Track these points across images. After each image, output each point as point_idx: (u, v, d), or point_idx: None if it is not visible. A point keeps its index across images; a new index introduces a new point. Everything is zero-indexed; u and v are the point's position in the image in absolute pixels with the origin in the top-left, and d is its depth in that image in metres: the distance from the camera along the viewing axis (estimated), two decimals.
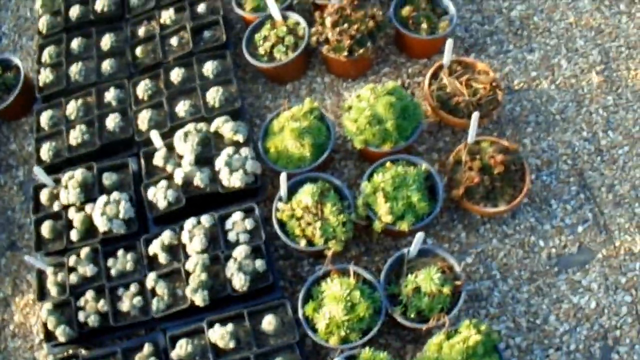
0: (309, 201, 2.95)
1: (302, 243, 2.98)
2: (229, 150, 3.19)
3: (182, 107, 3.46)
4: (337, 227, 2.93)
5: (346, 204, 3.03)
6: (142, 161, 3.39)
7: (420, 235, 2.78)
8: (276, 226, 3.05)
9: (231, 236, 3.10)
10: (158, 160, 3.33)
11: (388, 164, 3.05)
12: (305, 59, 3.65)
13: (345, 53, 3.37)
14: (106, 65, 3.75)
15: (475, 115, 2.98)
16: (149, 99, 3.60)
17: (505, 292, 3.04)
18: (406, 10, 3.51)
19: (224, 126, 3.25)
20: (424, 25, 3.48)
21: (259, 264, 2.98)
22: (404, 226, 2.92)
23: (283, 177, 3.00)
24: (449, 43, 3.24)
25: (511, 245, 3.14)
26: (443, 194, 3.05)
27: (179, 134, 3.32)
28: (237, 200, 3.24)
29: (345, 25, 3.38)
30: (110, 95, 3.63)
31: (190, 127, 3.34)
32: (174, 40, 3.73)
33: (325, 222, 2.94)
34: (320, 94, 3.64)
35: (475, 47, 3.70)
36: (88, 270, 3.18)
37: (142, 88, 3.59)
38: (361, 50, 3.36)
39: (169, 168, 3.30)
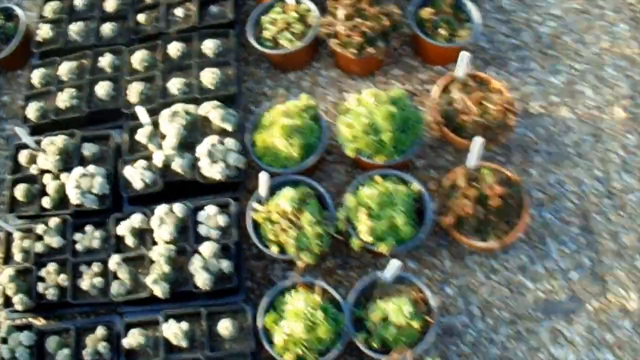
0: (287, 206, 2.74)
1: (274, 249, 2.78)
2: (213, 139, 2.97)
3: (175, 84, 3.25)
4: (312, 239, 2.72)
5: (326, 214, 2.82)
6: (126, 135, 3.19)
7: (396, 264, 2.57)
8: (250, 227, 2.85)
9: (202, 230, 2.91)
10: (141, 137, 3.13)
11: (377, 178, 2.83)
12: (312, 49, 3.41)
13: (354, 50, 3.12)
14: (107, 28, 3.55)
15: (478, 140, 2.73)
16: (144, 71, 3.40)
17: (481, 331, 2.82)
18: (426, 12, 3.23)
19: (213, 112, 3.04)
20: (443, 31, 3.21)
21: (225, 264, 2.80)
22: (382, 248, 2.70)
23: (263, 177, 2.79)
24: (464, 55, 2.98)
25: (497, 282, 2.90)
26: (432, 219, 2.82)
27: (165, 113, 3.12)
28: (217, 191, 3.05)
29: (359, 20, 3.12)
30: (105, 60, 3.44)
31: (178, 107, 3.13)
32: (179, 11, 3.50)
33: (301, 231, 2.73)
34: (323, 88, 3.40)
35: (497, 61, 3.42)
36: (55, 241, 3.04)
37: (138, 58, 3.38)
38: (371, 50, 3.11)
39: (151, 147, 3.11)
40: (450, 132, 3.01)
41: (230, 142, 2.97)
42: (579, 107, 3.29)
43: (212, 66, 3.26)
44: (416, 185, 2.82)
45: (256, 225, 2.85)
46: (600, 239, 2.97)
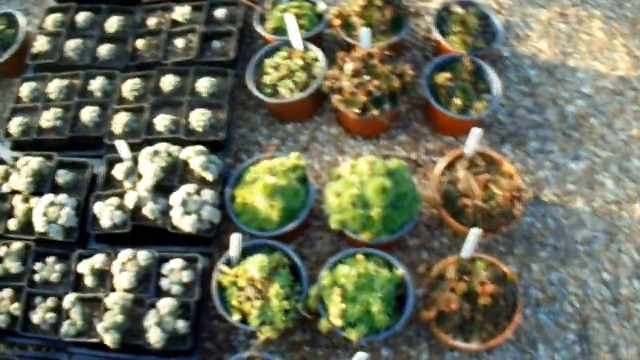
0: (256, 274, 2.47)
1: (236, 317, 2.50)
2: (189, 188, 2.72)
3: (162, 121, 3.01)
4: (277, 313, 2.44)
5: (297, 288, 2.53)
6: (103, 168, 2.96)
7: (362, 357, 2.27)
8: (214, 289, 2.58)
9: (164, 283, 2.64)
10: (118, 172, 2.89)
11: (359, 256, 2.53)
12: (314, 101, 3.14)
13: (357, 110, 2.85)
14: (104, 49, 3.33)
15: (475, 232, 2.44)
16: (133, 101, 3.16)
17: None
18: (442, 78, 2.95)
19: (195, 158, 2.79)
20: (457, 101, 2.92)
21: (181, 325, 2.52)
22: (352, 335, 2.39)
23: (235, 238, 2.53)
24: (476, 132, 2.70)
25: None
26: (412, 307, 2.52)
27: (146, 151, 2.87)
28: (188, 243, 2.79)
29: (366, 77, 2.86)
30: (96, 83, 3.21)
31: (161, 146, 2.89)
32: (179, 42, 3.27)
33: (267, 303, 2.45)
34: (321, 145, 3.12)
35: (514, 138, 3.12)
36: (14, 266, 2.82)
37: (129, 87, 3.15)
38: (375, 112, 2.83)
39: (126, 185, 2.87)
40: (449, 216, 2.71)
41: (207, 193, 2.71)
42: (597, 199, 2.96)
43: (203, 107, 3.02)
44: (400, 271, 2.52)
45: (221, 287, 2.58)
46: (597, 350, 2.63)
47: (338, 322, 2.43)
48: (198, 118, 2.96)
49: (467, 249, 2.55)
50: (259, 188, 2.63)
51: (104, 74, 3.25)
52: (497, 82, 3.00)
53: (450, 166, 2.84)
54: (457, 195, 2.74)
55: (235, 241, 2.53)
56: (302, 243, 2.86)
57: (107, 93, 3.22)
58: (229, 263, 2.60)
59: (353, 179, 2.61)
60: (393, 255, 2.60)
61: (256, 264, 2.49)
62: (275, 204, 2.62)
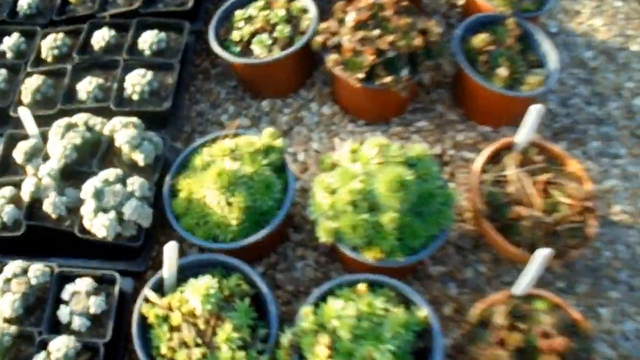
0: (198, 306, 1.53)
1: None
2: (110, 174, 1.78)
3: (86, 86, 2.06)
4: None
5: (263, 332, 1.56)
6: (1, 147, 2.02)
7: None
8: (134, 326, 1.58)
9: (64, 314, 1.67)
10: (19, 153, 1.93)
11: (361, 287, 1.57)
12: (299, 65, 2.19)
13: (362, 75, 1.92)
14: (25, 1, 2.36)
15: (542, 254, 1.53)
16: (53, 61, 2.22)
17: None
18: (480, 40, 2.04)
19: (121, 132, 1.85)
20: (503, 71, 1.98)
21: None
22: None
23: (170, 249, 1.57)
24: (537, 110, 1.80)
25: None
26: None
27: (58, 124, 1.93)
28: (106, 255, 1.81)
29: (375, 31, 1.93)
30: (9, 42, 2.27)
31: (80, 118, 1.97)
32: None
33: (213, 354, 1.52)
34: (308, 129, 2.15)
35: (569, 135, 2.20)
36: None
37: (49, 44, 2.21)
38: (387, 79, 1.90)
39: (29, 170, 1.92)
40: (495, 231, 1.77)
41: (135, 183, 1.76)
42: None
43: (145, 67, 2.08)
44: (424, 312, 1.56)
45: (146, 324, 1.59)
46: None
47: None
48: (135, 82, 2.02)
49: (525, 283, 1.62)
50: (212, 177, 1.67)
51: (22, 30, 2.32)
52: (554, 53, 2.10)
53: (493, 160, 1.93)
54: (505, 202, 1.82)
55: (170, 254, 1.57)
56: (275, 265, 1.89)
57: (21, 54, 2.28)
58: (159, 288, 1.64)
59: (355, 169, 1.69)
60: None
61: (199, 292, 1.52)
62: (235, 202, 1.65)
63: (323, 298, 1.58)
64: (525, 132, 1.85)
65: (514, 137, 1.89)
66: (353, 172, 1.65)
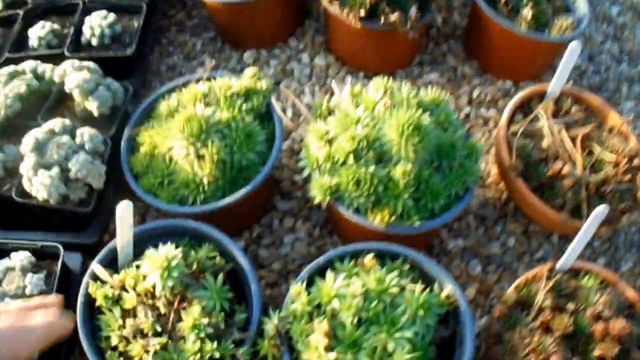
0: (157, 285, 1.15)
1: None
2: (56, 124, 1.39)
3: (38, 32, 1.67)
4: None
5: (241, 318, 1.17)
6: None
7: None
8: (79, 311, 1.18)
9: None
10: None
11: (368, 258, 1.20)
12: (288, 8, 1.80)
13: (363, 12, 1.53)
14: None
15: (600, 212, 1.20)
16: (3, 8, 1.82)
17: None
18: None
19: (72, 76, 1.47)
20: (527, 12, 1.60)
21: None
22: None
23: (123, 209, 1.17)
24: (574, 49, 1.43)
25: None
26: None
27: (1, 72, 1.53)
28: (51, 225, 1.40)
29: None
30: None
31: (27, 65, 1.58)
32: None
33: (176, 346, 1.15)
34: (299, 82, 1.76)
35: (602, 93, 1.83)
36: None
37: None
38: (393, 15, 1.52)
39: None
40: (530, 192, 1.39)
41: (85, 133, 1.37)
42: None
43: (106, 9, 1.70)
44: (449, 289, 1.19)
45: (94, 308, 1.19)
46: None
47: None
48: (95, 24, 1.63)
49: (570, 255, 1.29)
50: (180, 124, 1.28)
51: None
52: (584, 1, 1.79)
53: (520, 111, 1.55)
54: (539, 159, 1.47)
55: (123, 217, 1.17)
56: (258, 239, 1.50)
57: None
58: (112, 263, 1.23)
59: (357, 113, 1.36)
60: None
61: (158, 264, 1.14)
62: (207, 154, 1.26)
63: (320, 273, 1.23)
64: (559, 78, 1.50)
65: (546, 86, 1.55)
66: (355, 116, 1.30)
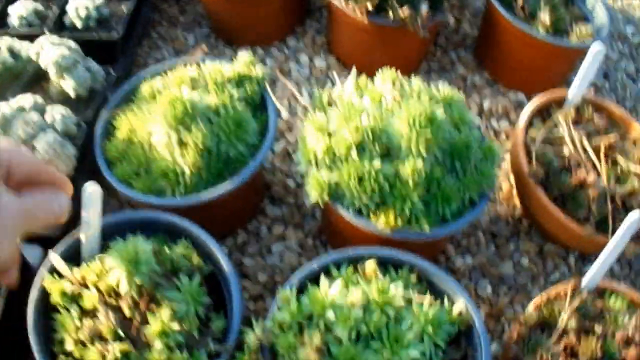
0: (122, 283, 0.95)
1: None
2: (26, 99, 1.18)
3: (19, 10, 1.48)
4: None
5: (219, 326, 0.98)
6: None
7: None
8: (30, 308, 0.97)
9: None
10: None
11: (369, 264, 1.03)
12: (288, 3, 1.63)
13: (370, 6, 1.38)
14: None
15: (635, 219, 1.04)
16: None
17: None
18: None
19: (48, 50, 1.30)
20: (545, 17, 1.47)
21: None
22: None
23: (90, 194, 0.97)
24: (597, 53, 1.29)
25: None
26: None
27: None
28: None
29: None
30: None
31: (3, 42, 1.38)
32: None
33: (140, 354, 0.91)
34: (297, 83, 1.58)
35: None
36: None
37: None
38: (404, 10, 1.36)
39: None
40: (551, 202, 1.21)
41: (56, 112, 1.18)
42: None
43: None
44: (461, 304, 1.00)
45: (48, 306, 0.98)
46: None
47: None
48: (80, 5, 1.44)
49: (596, 273, 1.12)
50: (162, 106, 1.10)
51: None
52: (601, 6, 1.64)
53: (539, 118, 1.40)
54: (559, 168, 1.33)
55: (89, 203, 0.98)
56: (243, 246, 1.31)
57: None
58: (74, 257, 1.02)
59: (363, 104, 1.19)
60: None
61: (125, 257, 0.95)
62: (191, 141, 1.09)
63: (313, 280, 1.05)
64: (581, 84, 1.36)
65: (566, 92, 1.41)
66: (360, 107, 1.15)
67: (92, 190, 0.97)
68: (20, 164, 0.79)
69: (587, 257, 1.34)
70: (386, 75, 1.19)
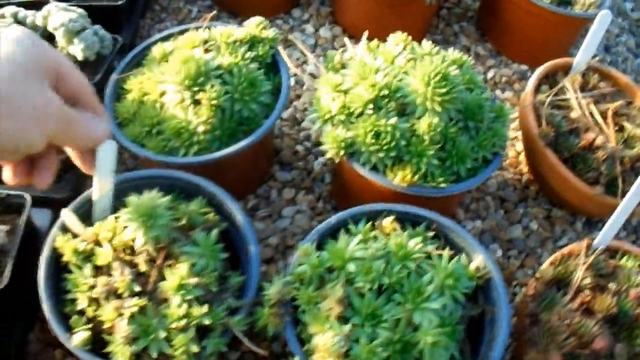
0: (138, 238, 0.90)
1: (81, 336, 0.86)
2: None
3: None
4: (179, 341, 0.86)
5: (237, 281, 0.96)
6: None
7: None
8: (42, 268, 0.92)
9: None
10: None
11: (389, 221, 0.99)
12: None
13: None
14: None
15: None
16: None
17: None
18: None
19: (55, 16, 1.26)
20: None
21: None
22: None
23: (104, 148, 0.88)
24: (603, 18, 1.26)
25: None
26: (505, 346, 0.95)
27: None
28: None
29: None
30: None
31: (7, 10, 1.37)
32: None
33: (157, 309, 0.91)
34: (302, 54, 1.54)
35: None
36: None
37: None
38: None
39: None
40: (561, 164, 1.18)
41: None
42: None
43: None
44: (480, 260, 0.98)
45: (61, 265, 0.94)
46: None
47: None
48: None
49: (609, 230, 1.09)
50: (175, 66, 1.07)
51: None
52: None
53: (546, 83, 1.38)
54: (569, 130, 1.28)
55: (105, 158, 0.89)
56: (254, 210, 1.27)
57: None
58: (86, 216, 0.97)
59: (377, 64, 1.15)
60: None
61: (140, 212, 0.91)
62: (205, 99, 1.05)
63: (332, 233, 1.02)
64: (586, 50, 1.33)
65: (573, 59, 1.39)
66: (374, 66, 1.11)
67: (106, 148, 0.93)
68: (70, 76, 0.76)
69: (593, 224, 1.33)
70: (398, 38, 1.17)
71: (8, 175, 0.79)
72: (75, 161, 0.88)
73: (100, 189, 0.95)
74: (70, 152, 0.87)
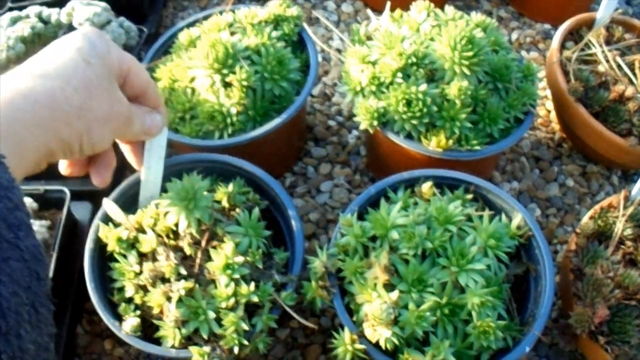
0: (181, 222, 0.87)
1: (130, 324, 0.86)
2: None
3: None
4: (229, 320, 0.84)
5: (282, 257, 0.94)
6: None
7: None
8: (86, 259, 0.91)
9: None
10: None
11: (427, 187, 0.97)
12: None
13: None
14: None
15: None
16: None
17: None
18: None
19: (80, 11, 1.24)
20: None
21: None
22: None
23: (158, 139, 0.88)
24: None
25: None
26: (552, 301, 0.91)
27: (6, 17, 1.29)
28: (54, 173, 1.18)
29: None
30: None
31: (31, 10, 1.34)
32: None
33: (204, 291, 0.87)
34: (325, 29, 1.50)
35: None
36: None
37: None
38: None
39: None
40: (592, 118, 1.13)
41: None
42: None
43: None
44: (519, 218, 0.95)
45: (105, 255, 0.93)
46: None
47: (382, 338, 0.90)
48: None
49: None
50: (203, 50, 1.04)
51: None
52: None
53: (571, 39, 1.33)
54: (596, 85, 1.22)
55: (155, 142, 0.89)
56: (292, 188, 1.24)
57: None
58: (130, 204, 0.96)
59: (402, 32, 1.11)
60: None
61: (183, 196, 0.88)
62: (236, 81, 1.02)
63: (372, 203, 0.98)
64: (608, 4, 1.28)
65: (595, 14, 1.33)
66: (400, 35, 1.08)
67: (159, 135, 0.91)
68: (137, 77, 0.77)
69: (629, 176, 1.28)
70: (421, 5, 1.13)
71: (64, 166, 0.80)
72: (127, 154, 0.89)
73: (149, 175, 0.94)
74: (122, 145, 0.87)
